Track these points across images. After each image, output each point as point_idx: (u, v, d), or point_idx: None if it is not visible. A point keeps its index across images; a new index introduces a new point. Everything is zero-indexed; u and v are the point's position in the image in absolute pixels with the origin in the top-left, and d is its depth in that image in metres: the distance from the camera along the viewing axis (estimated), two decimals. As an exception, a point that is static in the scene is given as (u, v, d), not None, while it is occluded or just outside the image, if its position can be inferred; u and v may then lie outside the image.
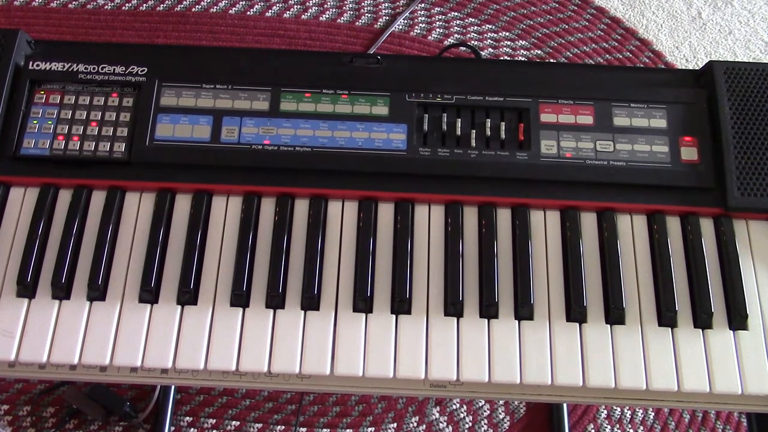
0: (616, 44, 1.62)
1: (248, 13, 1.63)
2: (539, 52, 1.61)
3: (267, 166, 0.78)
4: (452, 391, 0.74)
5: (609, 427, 1.27)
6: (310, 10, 1.63)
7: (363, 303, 0.74)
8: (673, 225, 0.79)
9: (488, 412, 1.27)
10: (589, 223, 0.79)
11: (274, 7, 1.63)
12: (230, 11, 1.63)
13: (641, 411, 1.28)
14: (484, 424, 1.26)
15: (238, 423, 1.24)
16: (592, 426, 1.27)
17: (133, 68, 0.81)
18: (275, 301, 0.74)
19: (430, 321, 0.74)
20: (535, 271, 0.76)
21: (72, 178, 0.78)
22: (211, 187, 0.79)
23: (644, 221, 0.79)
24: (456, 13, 1.65)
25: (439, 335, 0.73)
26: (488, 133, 0.80)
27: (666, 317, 0.74)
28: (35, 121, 0.79)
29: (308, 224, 0.77)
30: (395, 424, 1.25)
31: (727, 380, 0.72)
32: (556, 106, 0.81)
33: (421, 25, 1.63)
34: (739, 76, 0.81)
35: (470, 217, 0.79)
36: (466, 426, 1.26)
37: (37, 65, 0.81)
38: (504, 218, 0.79)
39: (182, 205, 0.79)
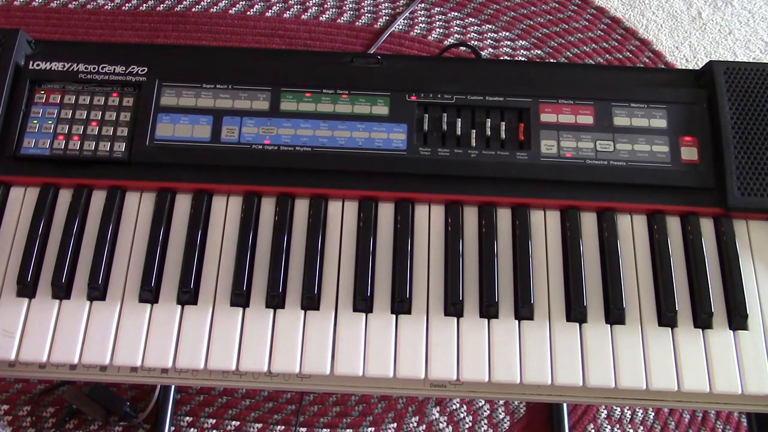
0: (616, 44, 1.62)
1: (248, 13, 1.63)
2: (539, 52, 1.61)
3: (267, 166, 0.78)
4: (452, 391, 0.74)
5: (609, 427, 1.27)
6: (310, 10, 1.63)
7: (363, 303, 0.74)
8: (673, 225, 0.79)
9: (488, 412, 1.27)
10: (589, 223, 0.79)
11: (274, 7, 1.64)
12: (230, 11, 1.63)
13: (641, 411, 1.28)
14: (484, 424, 1.26)
15: (238, 423, 1.24)
16: (592, 426, 1.27)
17: (133, 68, 0.81)
18: (275, 300, 0.74)
19: (430, 321, 0.74)
20: (535, 271, 0.76)
21: (72, 178, 0.78)
22: (211, 187, 0.79)
23: (644, 221, 0.79)
24: (456, 13, 1.65)
25: (439, 335, 0.73)
26: (488, 132, 0.80)
27: (666, 317, 0.74)
28: (35, 121, 0.79)
29: (308, 224, 0.77)
30: (395, 424, 1.25)
31: (727, 380, 0.72)
32: (556, 106, 0.81)
33: (421, 25, 1.63)
34: (739, 76, 0.81)
35: (470, 217, 0.79)
36: (466, 426, 1.26)
37: (38, 65, 0.81)
38: (504, 218, 0.79)
39: (182, 204, 0.79)
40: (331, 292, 0.75)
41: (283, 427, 1.24)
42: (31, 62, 0.81)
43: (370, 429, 1.25)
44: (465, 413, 1.26)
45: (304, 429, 1.24)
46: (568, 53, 1.61)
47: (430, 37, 1.61)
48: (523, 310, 0.74)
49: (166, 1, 1.63)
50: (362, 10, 1.64)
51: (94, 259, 0.75)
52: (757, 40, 1.65)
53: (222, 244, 0.77)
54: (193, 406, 1.26)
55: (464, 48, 1.56)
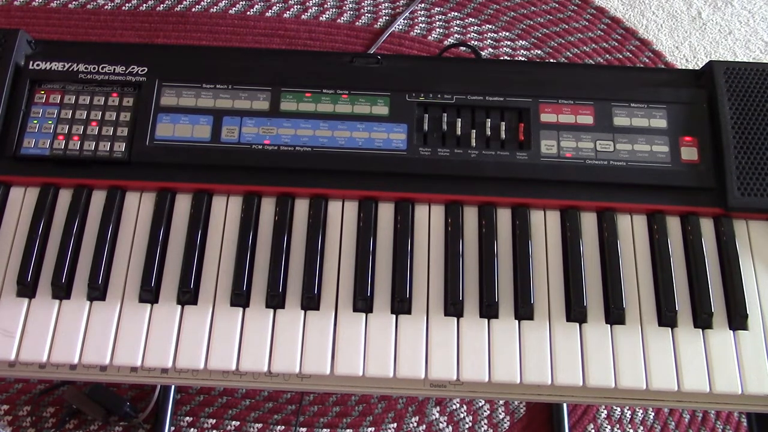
0: (616, 44, 1.62)
1: (248, 13, 1.63)
2: (539, 52, 1.61)
3: (267, 166, 0.78)
4: (452, 391, 0.74)
5: (609, 427, 1.27)
6: (310, 10, 1.63)
7: (363, 303, 0.74)
8: (673, 225, 0.79)
9: (488, 412, 1.27)
10: (589, 223, 0.79)
11: (274, 7, 1.64)
12: (230, 11, 1.63)
13: (641, 411, 1.28)
14: (484, 424, 1.26)
15: (238, 423, 1.24)
16: (592, 426, 1.27)
17: (133, 68, 0.81)
18: (275, 300, 0.74)
19: (430, 321, 0.74)
20: (535, 271, 0.76)
21: (72, 178, 0.78)
22: (211, 187, 0.79)
23: (644, 221, 0.79)
24: (456, 13, 1.65)
25: (439, 335, 0.73)
26: (488, 133, 0.80)
27: (666, 317, 0.74)
28: (35, 121, 0.79)
29: (308, 224, 0.77)
30: (395, 424, 1.25)
31: (727, 380, 0.72)
32: (556, 106, 0.81)
33: (421, 25, 1.63)
34: (739, 76, 0.81)
35: (470, 217, 0.79)
36: (466, 426, 1.26)
37: (38, 65, 0.81)
38: (504, 218, 0.79)
39: (182, 205, 0.79)
40: (331, 292, 0.75)
41: (283, 427, 1.24)
42: (31, 62, 0.81)
43: (370, 429, 1.25)
44: (465, 413, 1.26)
45: (304, 429, 1.24)
46: (568, 53, 1.61)
47: (430, 37, 1.61)
48: (523, 310, 0.74)
49: (166, 1, 1.63)
50: (362, 10, 1.64)
51: (94, 259, 0.75)
52: (757, 40, 1.65)
53: (222, 244, 0.77)
54: (193, 406, 1.26)
55: (464, 48, 1.56)
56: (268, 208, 0.79)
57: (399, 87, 0.81)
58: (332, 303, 0.74)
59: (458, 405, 1.27)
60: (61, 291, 0.74)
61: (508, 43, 1.61)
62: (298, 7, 1.64)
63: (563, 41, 1.62)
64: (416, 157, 0.79)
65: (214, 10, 1.63)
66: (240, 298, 0.74)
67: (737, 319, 0.74)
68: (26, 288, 0.74)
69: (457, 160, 0.79)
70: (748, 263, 0.77)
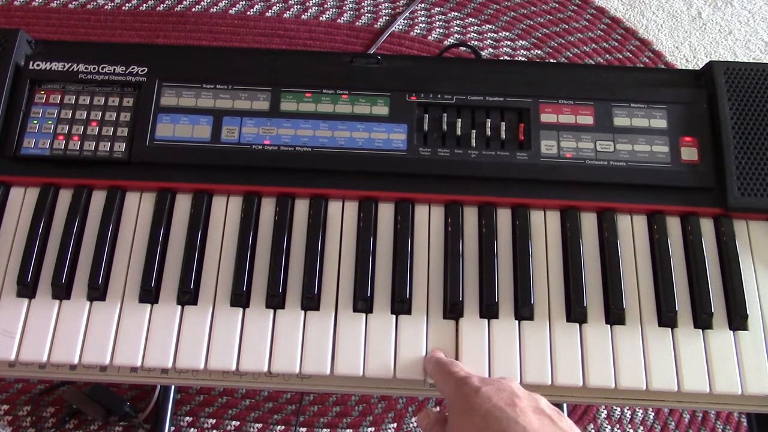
0: (616, 44, 1.62)
1: (248, 13, 1.63)
2: (539, 52, 1.61)
3: (267, 166, 0.78)
4: (452, 391, 0.74)
5: (609, 427, 1.27)
6: (310, 10, 1.63)
7: (363, 303, 0.74)
8: (673, 225, 0.79)
9: (488, 412, 1.27)
10: (589, 223, 0.79)
11: (274, 7, 1.64)
12: (230, 11, 1.63)
13: (641, 411, 1.28)
14: (484, 424, 1.26)
15: (238, 423, 1.24)
16: (592, 426, 1.27)
17: (133, 68, 0.81)
18: (275, 301, 0.74)
19: (430, 321, 0.74)
20: (535, 271, 0.76)
21: (72, 178, 0.78)
22: (211, 187, 0.79)
23: (644, 221, 0.79)
24: (456, 13, 1.65)
25: (438, 336, 0.73)
26: (488, 133, 0.80)
27: (666, 317, 0.74)
28: (35, 121, 0.79)
29: (308, 224, 0.77)
30: (395, 424, 1.25)
31: (727, 380, 0.72)
32: (556, 106, 0.81)
33: (421, 25, 1.63)
34: (739, 76, 0.81)
35: (470, 217, 0.79)
36: (466, 426, 1.25)
37: (38, 65, 0.81)
38: (504, 218, 0.79)
39: (182, 205, 0.79)
40: (331, 292, 0.75)
41: (283, 427, 1.24)
42: (31, 62, 0.81)
43: (370, 429, 1.25)
44: (465, 413, 1.26)
45: (304, 429, 1.24)
46: (568, 53, 1.61)
47: (430, 37, 1.61)
48: (523, 311, 0.74)
49: (166, 1, 1.63)
50: (362, 10, 1.64)
51: (94, 259, 0.75)
52: (757, 40, 1.65)
53: (222, 244, 0.77)
54: (193, 406, 1.26)
55: (464, 48, 1.56)
56: (268, 208, 0.79)
57: (399, 87, 0.81)
58: (332, 303, 0.74)
59: (458, 405, 1.27)
60: (61, 291, 0.74)
61: (508, 43, 1.61)
62: (298, 7, 1.64)
63: (563, 41, 1.62)
64: (416, 157, 0.79)
65: (214, 10, 1.63)
66: (240, 298, 0.74)
67: (737, 320, 0.74)
68: (26, 288, 0.74)
69: (457, 160, 0.79)
70: (748, 263, 0.77)
